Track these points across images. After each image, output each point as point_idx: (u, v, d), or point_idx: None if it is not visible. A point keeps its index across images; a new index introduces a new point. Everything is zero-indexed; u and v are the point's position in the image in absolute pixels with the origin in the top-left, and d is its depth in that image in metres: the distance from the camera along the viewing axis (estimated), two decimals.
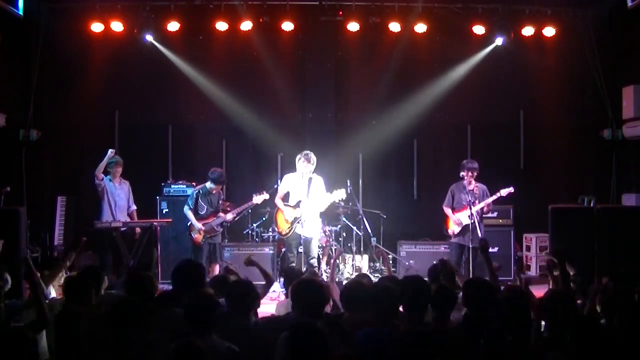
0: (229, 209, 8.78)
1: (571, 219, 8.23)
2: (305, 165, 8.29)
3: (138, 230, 8.91)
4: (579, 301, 4.94)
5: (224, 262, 8.88)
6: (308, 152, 8.42)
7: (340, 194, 8.34)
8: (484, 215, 8.64)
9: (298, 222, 8.30)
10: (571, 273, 5.64)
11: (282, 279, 8.86)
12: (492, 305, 4.25)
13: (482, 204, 8.38)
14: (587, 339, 3.61)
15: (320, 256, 8.45)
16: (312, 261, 8.20)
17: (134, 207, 9.11)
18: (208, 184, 8.58)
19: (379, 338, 3.98)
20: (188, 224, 8.63)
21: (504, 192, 8.43)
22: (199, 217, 8.57)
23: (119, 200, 8.90)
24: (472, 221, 8.17)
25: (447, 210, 8.63)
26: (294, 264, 8.21)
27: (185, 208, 8.65)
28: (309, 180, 8.36)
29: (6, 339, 3.50)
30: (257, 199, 8.57)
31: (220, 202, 8.75)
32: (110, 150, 8.84)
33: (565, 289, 4.93)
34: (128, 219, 8.96)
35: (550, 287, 5.55)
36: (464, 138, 11.17)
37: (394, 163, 11.31)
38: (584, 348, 3.62)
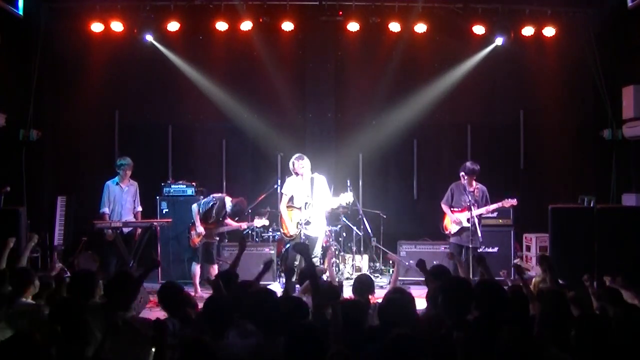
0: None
1: (571, 219, 8.23)
2: (300, 165, 8.28)
3: (139, 231, 8.83)
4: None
5: (222, 262, 8.90)
6: (298, 154, 8.45)
7: (347, 197, 8.30)
8: (482, 216, 8.65)
9: (300, 225, 8.30)
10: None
11: (282, 279, 8.88)
12: (503, 307, 4.27)
13: (482, 210, 8.36)
14: (588, 337, 3.63)
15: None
16: (314, 260, 8.20)
17: (139, 209, 9.05)
18: (228, 207, 8.69)
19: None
20: (191, 223, 8.71)
21: (506, 203, 8.36)
22: (204, 223, 8.69)
23: (125, 203, 8.84)
24: (472, 223, 8.17)
25: (445, 208, 8.62)
26: (296, 263, 8.20)
27: (195, 207, 8.74)
28: (311, 180, 8.35)
29: None
30: (258, 222, 9.00)
31: (224, 213, 8.81)
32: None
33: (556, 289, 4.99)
34: (134, 219, 8.92)
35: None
36: (464, 138, 11.16)
37: (394, 163, 11.31)
38: (584, 346, 3.64)
